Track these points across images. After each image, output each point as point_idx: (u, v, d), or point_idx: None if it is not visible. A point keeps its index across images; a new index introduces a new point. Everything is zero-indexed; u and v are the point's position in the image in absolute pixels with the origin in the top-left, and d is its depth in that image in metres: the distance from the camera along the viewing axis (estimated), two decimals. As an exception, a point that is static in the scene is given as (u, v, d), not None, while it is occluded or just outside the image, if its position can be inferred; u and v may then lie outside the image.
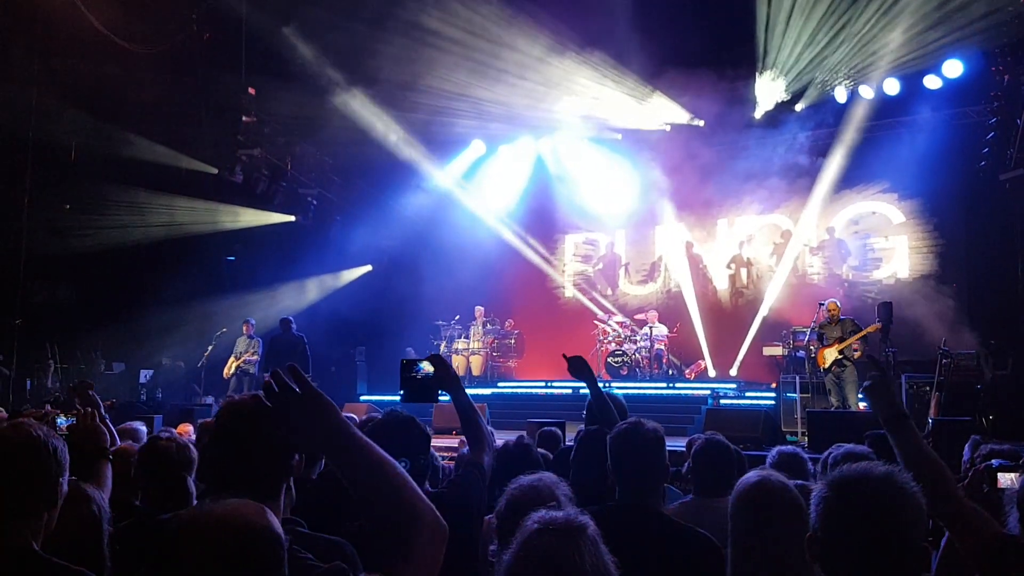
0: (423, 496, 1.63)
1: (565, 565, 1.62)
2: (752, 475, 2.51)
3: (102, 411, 3.21)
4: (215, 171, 15.36)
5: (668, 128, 16.14)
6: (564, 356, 3.96)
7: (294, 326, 13.49)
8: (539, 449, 4.57)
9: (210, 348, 14.15)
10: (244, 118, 15.00)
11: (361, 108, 15.34)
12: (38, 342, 14.12)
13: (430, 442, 3.09)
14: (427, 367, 3.15)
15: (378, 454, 1.64)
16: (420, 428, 3.02)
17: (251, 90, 15.01)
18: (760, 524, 2.36)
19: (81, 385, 3.56)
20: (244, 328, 13.79)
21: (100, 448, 2.96)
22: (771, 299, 15.68)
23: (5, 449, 2.10)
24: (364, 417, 5.79)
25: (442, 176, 17.65)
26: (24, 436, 2.12)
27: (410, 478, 1.64)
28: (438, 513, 1.63)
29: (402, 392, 3.19)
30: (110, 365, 15.01)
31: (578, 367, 3.95)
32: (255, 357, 13.51)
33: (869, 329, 11.18)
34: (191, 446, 3.37)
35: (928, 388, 10.75)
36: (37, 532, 2.11)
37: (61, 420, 3.19)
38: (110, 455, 3.01)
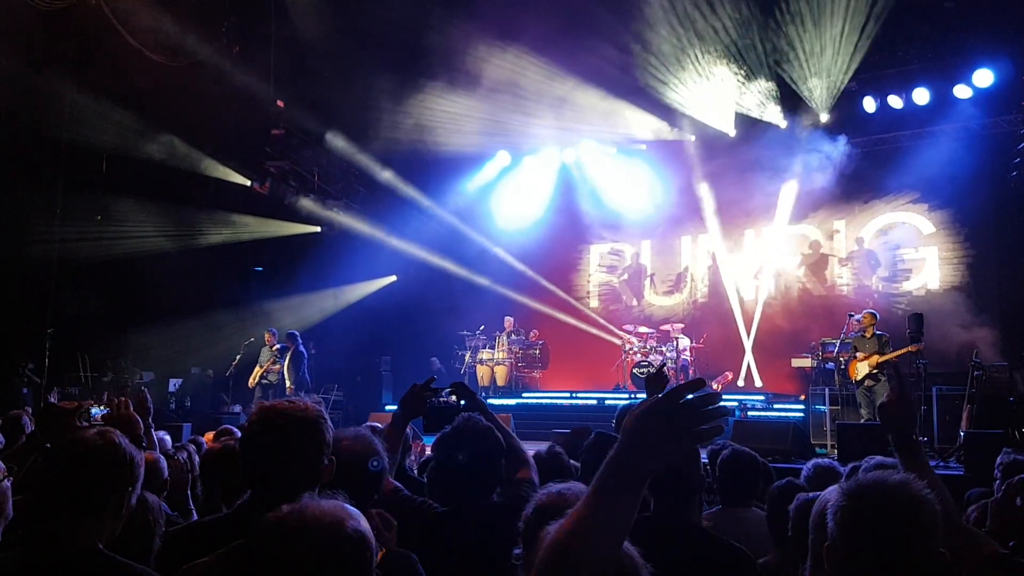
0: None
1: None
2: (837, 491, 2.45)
3: (150, 417, 3.26)
4: (248, 183, 15.57)
5: (693, 138, 16.11)
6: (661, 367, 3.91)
7: (298, 340, 13.71)
8: (572, 461, 4.55)
9: (238, 357, 14.28)
10: (273, 130, 15.18)
11: (387, 119, 15.47)
12: (69, 351, 14.31)
13: (502, 455, 3.11)
14: (452, 397, 3.17)
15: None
16: (497, 439, 3.05)
17: (280, 103, 15.20)
18: None
19: (137, 393, 3.63)
20: (266, 338, 13.88)
21: (134, 436, 3.02)
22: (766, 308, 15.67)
23: (84, 452, 2.21)
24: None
25: (467, 186, 17.74)
26: (105, 442, 2.24)
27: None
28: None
29: (424, 421, 3.21)
30: (140, 374, 15.17)
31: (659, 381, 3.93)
32: (277, 367, 13.58)
33: (909, 348, 10.97)
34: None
35: (960, 400, 10.60)
36: (100, 535, 2.20)
37: (95, 411, 3.25)
38: (144, 443, 3.07)
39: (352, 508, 1.51)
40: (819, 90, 14.51)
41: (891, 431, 2.40)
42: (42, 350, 13.66)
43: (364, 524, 1.49)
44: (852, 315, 12.09)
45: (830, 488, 2.41)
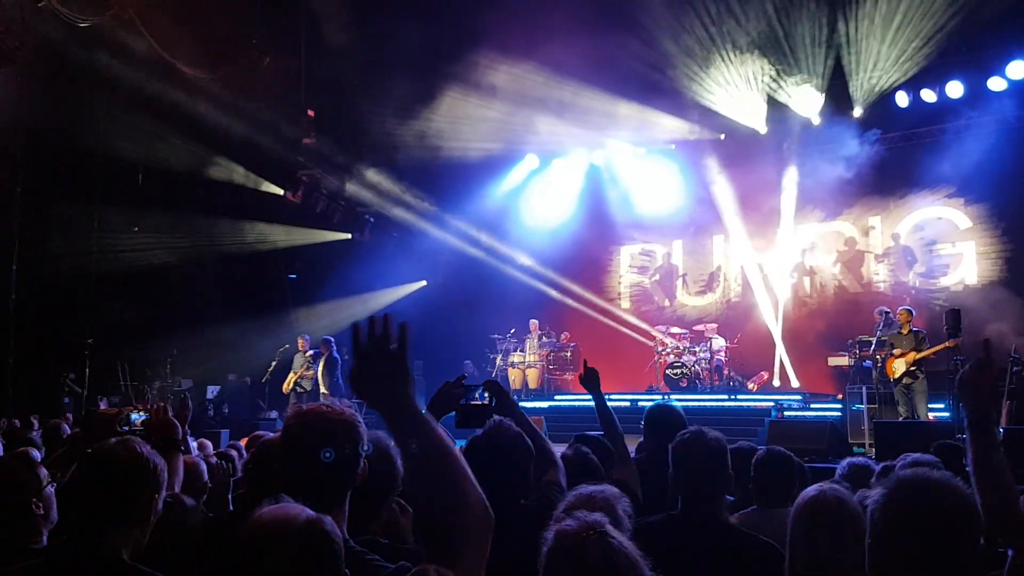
0: (476, 487, 1.65)
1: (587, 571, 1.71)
2: (812, 488, 2.51)
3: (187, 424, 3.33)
4: (280, 192, 15.76)
5: (723, 137, 16.02)
6: (584, 363, 4.07)
7: (332, 346, 13.78)
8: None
9: (273, 364, 14.43)
10: (304, 140, 15.35)
11: (415, 126, 15.58)
12: (109, 361, 14.56)
13: (532, 460, 3.13)
14: (484, 393, 3.20)
15: (441, 439, 1.64)
16: (527, 445, 3.08)
17: (310, 112, 15.36)
18: (812, 534, 2.37)
19: (180, 400, 3.70)
20: (299, 344, 13.99)
21: (173, 440, 3.08)
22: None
23: (108, 464, 2.23)
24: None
25: (496, 190, 17.79)
26: (128, 452, 2.26)
27: (468, 470, 1.64)
28: (487, 504, 1.65)
29: (457, 418, 3.24)
30: (179, 381, 15.40)
31: (590, 378, 4.10)
32: (310, 373, 13.69)
33: (946, 344, 10.81)
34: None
35: (998, 397, 10.41)
36: (127, 543, 2.23)
37: (135, 416, 3.31)
38: (182, 447, 3.13)
39: (309, 511, 1.54)
40: (865, 86, 14.36)
41: (968, 405, 2.25)
42: (83, 360, 13.91)
43: (325, 522, 1.53)
44: (886, 311, 11.94)
45: (815, 486, 2.45)
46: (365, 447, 2.16)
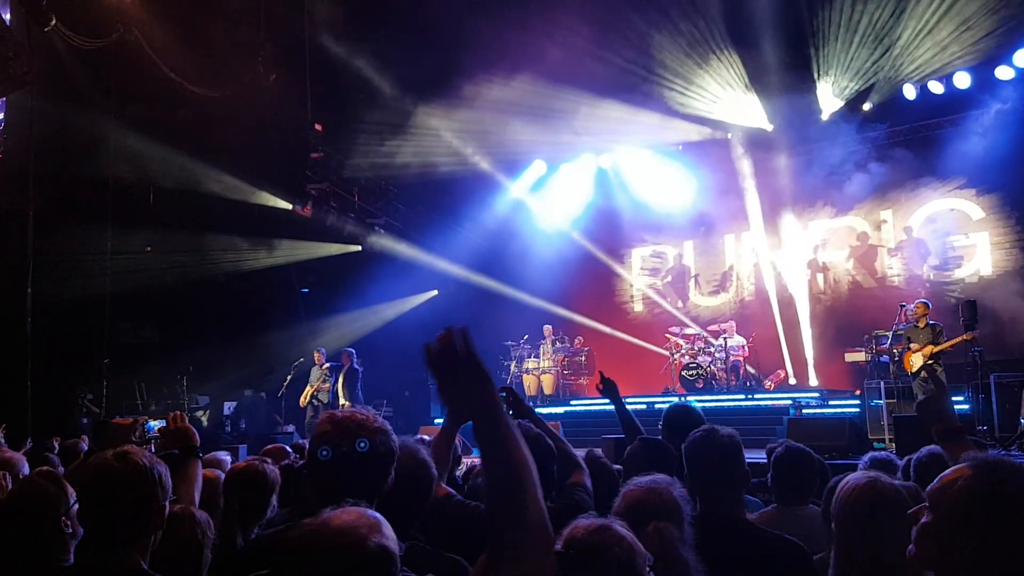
0: (541, 504, 1.56)
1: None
2: (859, 476, 2.45)
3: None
4: (289, 207, 15.82)
5: (729, 136, 15.99)
6: (601, 374, 4.30)
7: (353, 357, 13.79)
8: (616, 466, 4.55)
9: (288, 378, 14.48)
10: (312, 154, 15.40)
11: (424, 135, 15.61)
12: (125, 380, 14.63)
13: (553, 460, 3.16)
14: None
15: (520, 449, 1.57)
16: (547, 444, 3.11)
17: (318, 127, 15.41)
18: (868, 524, 2.32)
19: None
20: (316, 357, 14.04)
21: (190, 447, 3.09)
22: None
23: (115, 481, 2.22)
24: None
25: (505, 197, 17.79)
26: (132, 467, 2.24)
27: (537, 486, 1.57)
28: (548, 524, 1.57)
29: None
30: (196, 398, 15.45)
31: (608, 388, 4.67)
32: (326, 386, 13.71)
33: (964, 337, 10.74)
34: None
35: (1019, 387, 10.33)
36: (146, 552, 2.25)
37: (151, 424, 3.32)
38: (199, 453, 3.14)
39: (376, 516, 1.49)
40: (888, 80, 14.29)
41: (933, 424, 2.38)
42: (99, 380, 13.96)
43: (388, 532, 1.48)
44: (904, 305, 11.87)
45: (857, 474, 2.40)
46: (397, 456, 2.13)
